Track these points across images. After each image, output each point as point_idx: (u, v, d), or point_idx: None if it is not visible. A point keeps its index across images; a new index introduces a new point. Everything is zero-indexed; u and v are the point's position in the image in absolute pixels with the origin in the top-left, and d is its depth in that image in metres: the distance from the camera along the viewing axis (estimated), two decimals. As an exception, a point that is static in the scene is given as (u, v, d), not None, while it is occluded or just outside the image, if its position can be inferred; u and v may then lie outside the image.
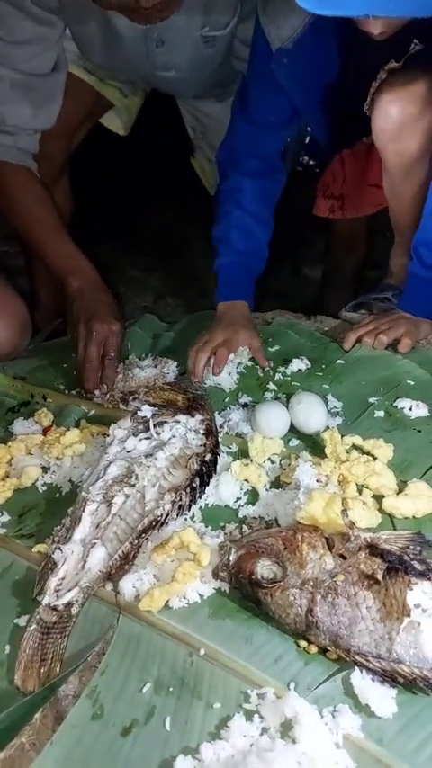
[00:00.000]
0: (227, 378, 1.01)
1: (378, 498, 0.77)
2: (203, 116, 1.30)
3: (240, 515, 0.77)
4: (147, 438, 0.82)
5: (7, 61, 1.04)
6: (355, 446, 0.84)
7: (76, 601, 0.66)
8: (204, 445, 0.82)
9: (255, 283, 1.09)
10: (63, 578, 0.68)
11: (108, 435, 0.84)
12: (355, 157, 1.16)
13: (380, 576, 0.61)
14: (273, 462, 0.85)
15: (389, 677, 0.57)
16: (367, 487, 0.78)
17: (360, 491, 0.78)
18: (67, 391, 1.07)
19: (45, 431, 0.95)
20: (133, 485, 0.76)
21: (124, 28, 0.99)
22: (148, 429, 0.82)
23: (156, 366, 1.09)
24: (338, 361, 1.01)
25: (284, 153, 1.04)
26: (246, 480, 0.81)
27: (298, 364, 1.02)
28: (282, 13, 0.82)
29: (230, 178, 1.03)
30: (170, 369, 1.08)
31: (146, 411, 0.85)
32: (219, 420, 0.92)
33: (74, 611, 0.66)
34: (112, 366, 1.02)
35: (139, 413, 0.85)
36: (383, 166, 1.02)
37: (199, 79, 1.13)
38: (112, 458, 0.80)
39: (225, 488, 0.79)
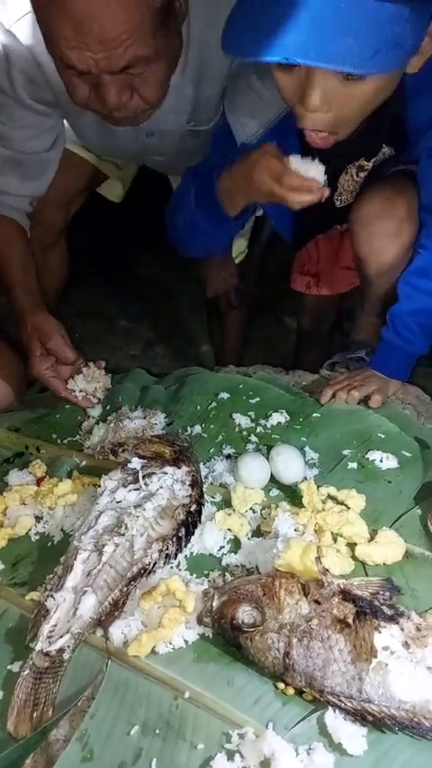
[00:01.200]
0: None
1: (351, 546, 0.83)
2: None
3: (223, 563, 0.82)
4: (136, 489, 0.87)
5: (4, 141, 1.10)
6: (330, 496, 0.91)
7: (68, 646, 0.70)
8: (190, 496, 0.87)
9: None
10: (55, 625, 0.72)
11: (99, 486, 0.90)
12: (329, 240, 1.26)
13: (350, 620, 0.66)
14: (254, 512, 0.90)
15: (359, 716, 0.61)
16: (341, 536, 0.84)
17: (335, 539, 0.84)
18: (59, 441, 1.13)
19: (39, 481, 0.99)
20: (123, 534, 0.81)
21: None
22: (137, 480, 0.87)
23: (144, 417, 1.15)
24: (315, 415, 1.09)
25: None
26: (229, 529, 0.86)
27: (278, 417, 1.09)
28: (248, 114, 0.87)
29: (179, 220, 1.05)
30: (158, 420, 1.14)
31: (135, 463, 0.90)
32: (203, 470, 0.98)
33: (65, 656, 0.70)
34: (63, 349, 1.08)
35: (128, 465, 0.91)
36: (360, 264, 1.12)
37: (186, 163, 1.23)
38: (102, 508, 0.85)
39: (209, 537, 0.84)
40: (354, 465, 0.98)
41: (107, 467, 0.96)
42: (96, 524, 0.82)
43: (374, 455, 0.99)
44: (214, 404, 1.14)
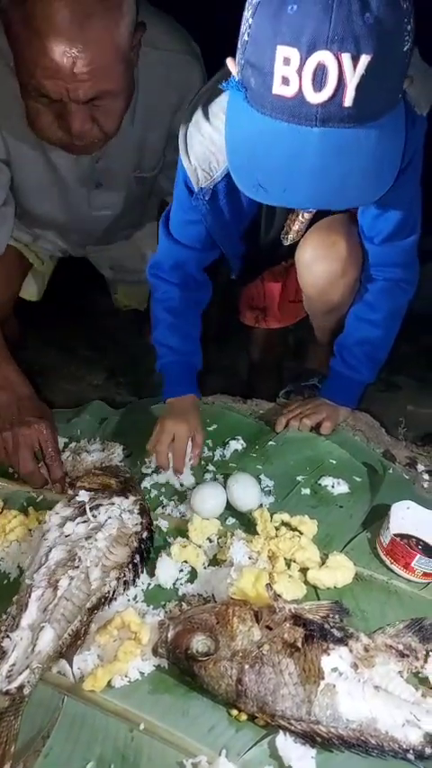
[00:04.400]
0: (187, 475, 1.06)
1: (304, 571, 0.86)
2: (116, 256, 1.43)
3: (180, 593, 0.84)
4: (84, 521, 0.88)
5: None
6: (283, 523, 0.94)
7: (28, 682, 0.70)
8: (141, 524, 0.90)
9: (197, 376, 1.17)
10: (14, 664, 0.72)
11: (44, 522, 0.90)
12: (273, 276, 1.31)
13: (300, 644, 0.69)
14: (211, 541, 0.92)
15: (309, 738, 0.64)
16: (294, 561, 0.87)
17: (288, 565, 0.87)
18: (16, 476, 1.12)
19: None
20: (77, 566, 0.82)
21: (68, 171, 1.09)
22: (84, 513, 0.89)
23: (103, 450, 1.16)
24: (270, 443, 1.13)
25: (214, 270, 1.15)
26: (185, 561, 0.88)
27: (234, 445, 1.12)
28: (203, 159, 0.87)
29: (160, 288, 1.10)
30: (116, 452, 1.15)
31: (82, 496, 0.92)
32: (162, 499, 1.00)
33: (26, 691, 0.70)
34: (55, 465, 1.02)
35: (75, 498, 0.92)
36: (307, 302, 1.18)
37: (129, 218, 1.26)
38: (52, 543, 0.86)
39: (164, 572, 0.85)
40: (307, 491, 1.02)
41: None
42: (48, 560, 0.83)
43: (327, 481, 1.03)
44: (173, 434, 1.16)
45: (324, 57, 0.58)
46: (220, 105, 0.84)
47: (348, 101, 0.60)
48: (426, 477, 1.13)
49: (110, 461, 1.13)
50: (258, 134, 0.66)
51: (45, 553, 0.85)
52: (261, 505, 0.98)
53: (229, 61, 0.71)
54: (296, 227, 1.04)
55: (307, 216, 1.03)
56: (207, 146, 0.86)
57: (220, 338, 1.83)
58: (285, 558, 0.87)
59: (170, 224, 1.02)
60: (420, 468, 1.16)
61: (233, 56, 0.68)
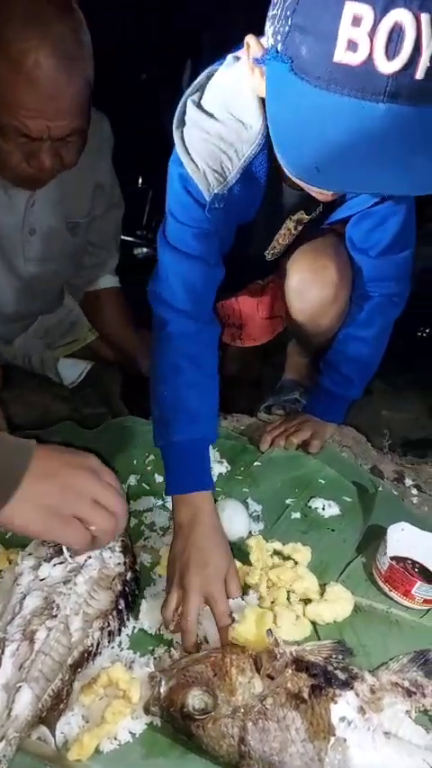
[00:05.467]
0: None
1: (304, 602, 0.81)
2: (47, 325, 1.37)
3: (167, 637, 0.77)
4: (61, 563, 0.80)
5: None
6: (276, 551, 0.89)
7: (4, 756, 0.62)
8: (123, 563, 0.81)
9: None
10: (-15, 734, 0.64)
11: (16, 564, 0.81)
12: (249, 292, 1.26)
13: (306, 695, 0.64)
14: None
15: (321, 802, 0.58)
16: (293, 592, 0.82)
17: (288, 596, 0.81)
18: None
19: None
20: (55, 615, 0.74)
21: (2, 217, 1.06)
22: (60, 552, 0.80)
23: (77, 476, 1.08)
24: (256, 464, 1.07)
25: None
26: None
27: (218, 468, 1.06)
28: (213, 162, 0.78)
29: (170, 321, 0.88)
30: (92, 477, 1.08)
31: None
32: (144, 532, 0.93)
33: (2, 767, 0.62)
34: None
35: None
36: (295, 326, 1.11)
37: (63, 272, 1.22)
38: (25, 589, 0.77)
39: (150, 614, 0.78)
40: (297, 515, 0.97)
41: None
42: (22, 609, 0.74)
43: (316, 503, 0.99)
44: (152, 456, 1.09)
45: (402, 16, 0.50)
46: (219, 98, 0.77)
47: (421, 73, 0.52)
48: (414, 492, 1.11)
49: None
50: (311, 110, 0.56)
51: (19, 600, 0.76)
52: (250, 533, 0.92)
53: (251, 38, 0.65)
54: (284, 240, 0.99)
55: (298, 228, 0.98)
56: (215, 143, 0.77)
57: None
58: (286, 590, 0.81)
59: (171, 238, 0.87)
60: (408, 482, 1.13)
61: None
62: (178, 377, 0.86)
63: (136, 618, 0.79)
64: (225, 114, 0.77)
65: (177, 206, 0.85)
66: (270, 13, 0.61)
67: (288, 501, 1.00)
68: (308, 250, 0.99)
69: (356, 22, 0.52)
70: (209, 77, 0.81)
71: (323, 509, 0.98)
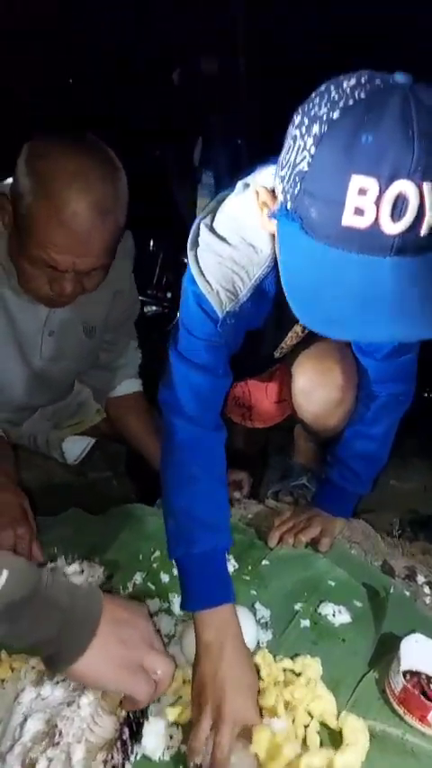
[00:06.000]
0: None
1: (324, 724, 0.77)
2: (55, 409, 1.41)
3: (175, 763, 0.73)
4: (63, 679, 0.77)
5: None
6: (285, 669, 0.85)
7: None
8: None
9: None
10: None
11: (18, 677, 0.79)
12: (258, 377, 1.28)
13: None
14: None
15: None
16: (310, 714, 0.78)
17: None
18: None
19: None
20: (57, 743, 0.71)
21: (24, 321, 1.10)
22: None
23: (82, 572, 1.06)
24: (264, 562, 1.05)
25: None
26: (175, 722, 0.77)
27: (225, 567, 1.04)
28: (227, 282, 0.82)
29: (179, 430, 0.90)
30: (96, 573, 1.06)
31: None
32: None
33: None
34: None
35: None
36: (302, 422, 1.13)
37: (77, 369, 1.26)
38: (27, 710, 0.75)
39: (153, 738, 0.74)
40: (306, 623, 0.94)
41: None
42: (23, 734, 0.72)
43: (326, 608, 0.96)
44: (158, 552, 1.07)
45: (405, 186, 0.54)
46: (230, 224, 0.82)
47: (425, 231, 0.56)
48: (426, 590, 1.08)
49: (90, 587, 1.04)
50: (321, 265, 0.60)
51: (20, 723, 0.74)
52: (259, 643, 0.89)
53: (261, 190, 0.68)
54: (292, 342, 1.01)
55: (306, 331, 1.00)
56: (228, 266, 0.82)
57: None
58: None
59: (182, 348, 0.90)
60: (420, 579, 1.10)
61: None
62: (192, 486, 0.87)
63: (138, 741, 0.75)
64: (237, 238, 0.81)
65: (190, 320, 0.88)
66: (280, 173, 0.64)
67: (297, 606, 0.97)
68: (314, 353, 1.01)
69: (362, 192, 0.55)
70: (219, 203, 0.85)
71: (333, 615, 0.95)
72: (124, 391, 1.35)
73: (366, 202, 0.55)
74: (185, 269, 0.86)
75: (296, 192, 0.61)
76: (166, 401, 0.92)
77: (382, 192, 0.54)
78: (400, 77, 0.58)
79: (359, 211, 0.55)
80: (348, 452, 1.05)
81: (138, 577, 1.03)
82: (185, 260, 0.85)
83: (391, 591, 1.01)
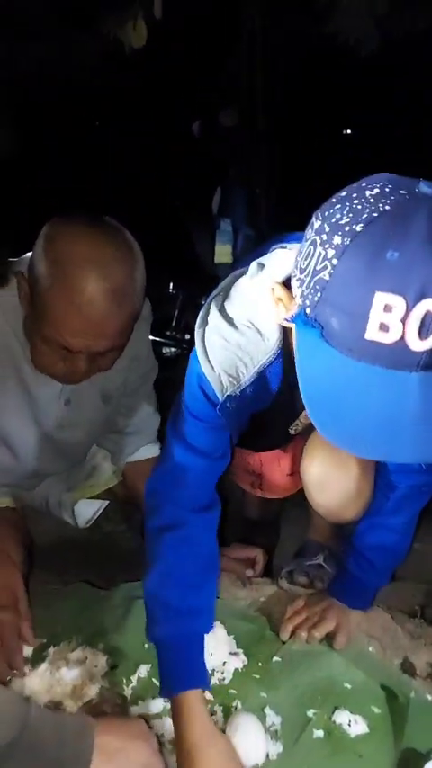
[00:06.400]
0: None
1: None
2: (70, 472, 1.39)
3: None
4: None
5: None
6: (296, 790, 0.80)
7: None
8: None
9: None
10: None
11: None
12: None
13: None
14: None
15: None
16: None
17: None
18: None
19: None
20: None
21: (39, 390, 1.08)
22: None
23: (85, 659, 1.02)
24: (275, 659, 0.99)
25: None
26: None
27: (235, 662, 0.98)
28: (230, 368, 0.80)
29: (163, 512, 0.90)
30: (99, 662, 1.01)
31: None
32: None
33: None
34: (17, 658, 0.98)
35: None
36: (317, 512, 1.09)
37: (89, 440, 1.25)
38: None
39: None
40: (320, 733, 0.88)
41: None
42: None
43: (341, 717, 0.90)
44: (164, 641, 1.02)
45: None
46: (241, 307, 0.81)
47: None
48: (450, 693, 1.01)
49: (92, 676, 0.99)
50: (342, 376, 0.57)
51: None
52: (268, 755, 0.84)
53: (276, 287, 0.67)
54: (306, 420, 0.98)
55: None
56: (233, 351, 0.80)
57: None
58: None
59: (180, 428, 0.89)
60: (443, 678, 1.03)
61: None
62: (170, 564, 0.88)
63: None
64: (245, 323, 0.79)
65: (192, 400, 0.87)
66: (298, 275, 0.62)
67: (310, 713, 0.91)
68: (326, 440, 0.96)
69: (388, 309, 0.53)
70: (233, 281, 0.84)
71: (349, 725, 0.89)
72: (142, 456, 1.32)
73: (392, 319, 0.53)
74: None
75: (316, 299, 0.58)
76: (152, 486, 0.94)
77: (409, 310, 0.52)
78: (425, 188, 0.57)
79: (384, 327, 0.53)
80: (365, 542, 1.00)
81: (142, 670, 0.98)
82: (203, 302, 0.86)
83: (412, 695, 0.95)
